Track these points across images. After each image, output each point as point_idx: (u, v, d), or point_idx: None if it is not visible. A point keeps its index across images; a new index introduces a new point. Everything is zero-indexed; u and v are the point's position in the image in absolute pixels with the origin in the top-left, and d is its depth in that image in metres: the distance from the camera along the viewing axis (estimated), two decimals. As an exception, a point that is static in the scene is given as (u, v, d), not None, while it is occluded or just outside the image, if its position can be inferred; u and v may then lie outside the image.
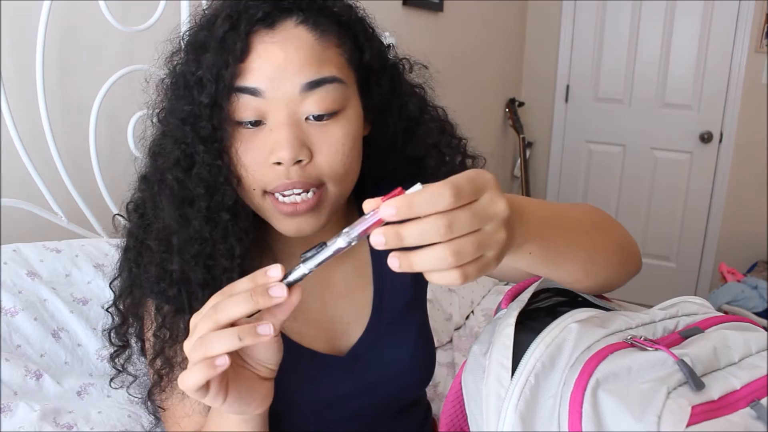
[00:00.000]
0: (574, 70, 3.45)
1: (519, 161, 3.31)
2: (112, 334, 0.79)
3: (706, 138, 3.20)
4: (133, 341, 0.80)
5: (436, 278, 0.45)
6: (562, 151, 3.58)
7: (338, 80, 0.68)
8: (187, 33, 0.73)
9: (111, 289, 0.80)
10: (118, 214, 0.82)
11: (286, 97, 0.66)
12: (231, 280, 0.69)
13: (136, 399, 0.94)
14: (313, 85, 0.66)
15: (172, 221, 0.69)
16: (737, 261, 3.13)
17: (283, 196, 0.68)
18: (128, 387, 0.83)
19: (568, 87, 3.48)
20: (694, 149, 3.26)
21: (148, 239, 0.72)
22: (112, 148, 1.35)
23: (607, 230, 0.68)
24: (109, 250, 1.15)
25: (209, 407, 0.73)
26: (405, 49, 0.82)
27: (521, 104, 3.46)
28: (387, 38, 0.80)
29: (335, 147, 0.68)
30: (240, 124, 0.67)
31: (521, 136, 3.27)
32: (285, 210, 0.68)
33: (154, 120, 0.74)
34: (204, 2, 1.42)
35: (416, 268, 0.44)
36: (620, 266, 0.69)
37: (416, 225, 0.43)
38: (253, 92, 0.66)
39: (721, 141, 3.19)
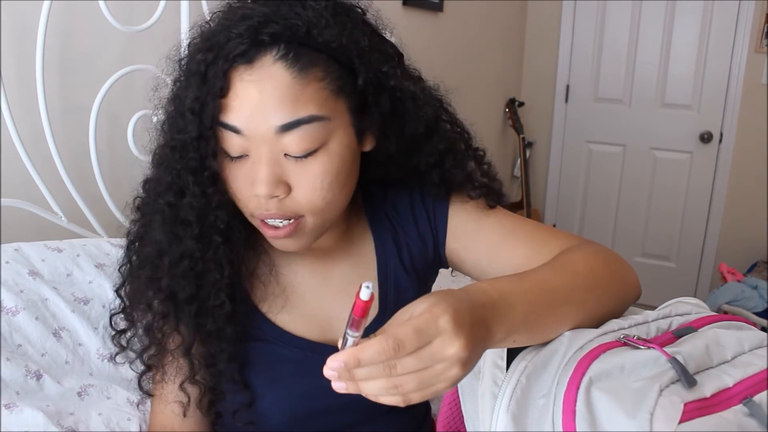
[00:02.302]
0: (574, 70, 3.45)
1: (519, 161, 3.31)
2: (117, 318, 0.83)
3: (706, 138, 3.20)
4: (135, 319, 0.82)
5: (382, 400, 0.51)
6: (562, 151, 3.58)
7: (317, 118, 0.67)
8: (189, 46, 0.73)
9: (120, 272, 0.82)
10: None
11: (263, 135, 0.66)
12: (218, 297, 0.73)
13: (135, 402, 0.95)
14: (289, 126, 0.66)
15: (163, 242, 0.71)
16: (737, 261, 3.13)
17: (265, 221, 0.71)
18: (131, 362, 0.85)
19: (568, 87, 3.48)
20: (694, 149, 3.26)
21: (144, 244, 0.75)
22: (112, 148, 1.35)
23: (602, 288, 0.69)
24: (110, 249, 1.15)
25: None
26: (405, 49, 0.81)
27: (521, 104, 3.46)
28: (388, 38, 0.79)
29: (313, 183, 0.69)
30: (227, 153, 0.69)
31: (521, 136, 3.27)
32: (268, 233, 0.72)
33: (157, 126, 0.76)
34: (204, 2, 1.42)
35: (363, 393, 0.51)
36: (615, 310, 0.70)
37: (364, 371, 0.50)
38: (232, 129, 0.67)
39: (721, 141, 3.19)
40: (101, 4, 1.22)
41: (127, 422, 0.94)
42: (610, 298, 0.69)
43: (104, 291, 1.07)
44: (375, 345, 0.49)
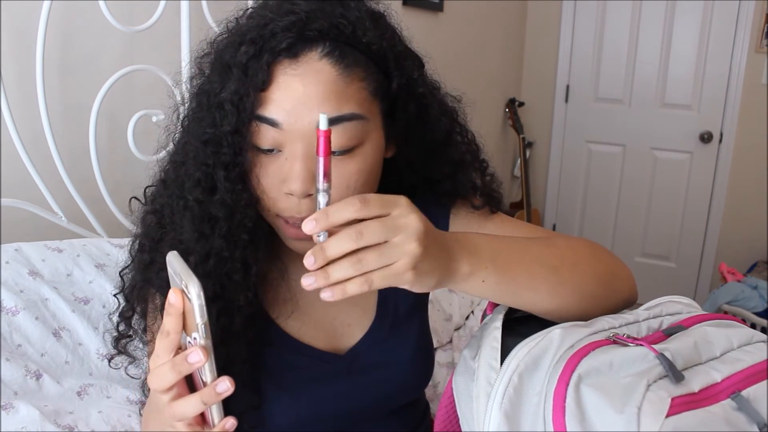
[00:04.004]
0: (574, 70, 3.45)
1: (519, 161, 3.31)
2: (119, 322, 0.81)
3: (706, 138, 3.20)
4: (136, 325, 0.81)
5: (349, 290, 0.53)
6: (562, 151, 3.58)
7: (357, 117, 0.67)
8: (218, 39, 0.72)
9: (121, 276, 0.80)
10: (134, 197, 0.82)
11: (302, 130, 0.66)
12: (246, 296, 0.71)
13: (135, 401, 0.95)
14: (331, 122, 0.65)
15: (190, 241, 0.70)
16: (737, 261, 3.14)
17: (291, 221, 0.70)
18: (126, 367, 0.84)
19: (568, 87, 3.48)
20: (694, 149, 3.26)
21: (162, 246, 0.73)
22: (112, 148, 1.36)
23: (581, 266, 0.69)
24: (110, 249, 1.15)
25: None
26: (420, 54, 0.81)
27: (521, 104, 3.46)
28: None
29: (347, 182, 0.68)
30: (259, 148, 0.68)
31: (521, 136, 3.28)
32: (291, 234, 0.70)
33: (179, 120, 0.75)
34: (204, 2, 1.42)
35: (332, 279, 0.52)
36: (599, 300, 0.70)
37: (333, 237, 0.52)
38: (271, 123, 0.66)
39: (721, 141, 3.19)
40: (101, 4, 1.22)
41: (127, 419, 0.94)
42: (590, 277, 0.69)
43: (104, 291, 1.08)
44: (342, 201, 0.52)
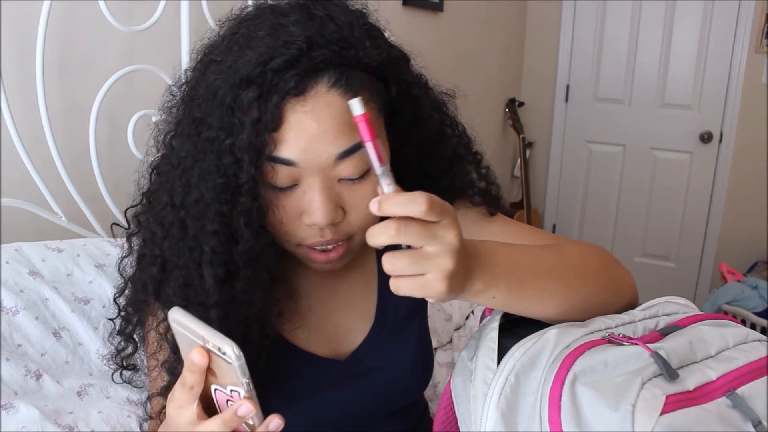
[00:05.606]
0: (574, 70, 3.45)
1: (519, 161, 3.31)
2: (119, 338, 0.81)
3: (706, 138, 3.20)
4: (137, 338, 0.81)
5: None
6: (562, 151, 3.59)
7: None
8: (204, 64, 0.69)
9: (115, 288, 0.81)
10: (116, 224, 0.82)
11: (319, 165, 0.65)
12: (268, 336, 0.71)
13: (135, 401, 0.95)
14: (348, 152, 0.65)
15: (210, 290, 0.67)
16: (737, 261, 3.14)
17: (313, 247, 0.69)
18: (121, 373, 0.84)
19: (568, 87, 3.48)
20: (694, 149, 3.26)
21: (167, 287, 0.71)
22: (112, 148, 1.36)
23: (591, 277, 0.69)
24: (110, 249, 1.15)
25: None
26: (405, 49, 0.81)
27: (521, 104, 3.46)
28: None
29: (367, 203, 0.67)
30: (275, 187, 0.67)
31: (521, 136, 3.28)
32: (318, 259, 0.70)
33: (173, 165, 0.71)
34: (204, 2, 1.42)
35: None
36: (604, 306, 0.70)
37: (376, 227, 0.51)
38: (287, 163, 0.64)
39: (721, 141, 3.19)
40: (101, 4, 1.22)
41: (127, 419, 0.94)
42: (599, 288, 0.69)
43: (104, 291, 1.08)
44: (411, 196, 0.50)
